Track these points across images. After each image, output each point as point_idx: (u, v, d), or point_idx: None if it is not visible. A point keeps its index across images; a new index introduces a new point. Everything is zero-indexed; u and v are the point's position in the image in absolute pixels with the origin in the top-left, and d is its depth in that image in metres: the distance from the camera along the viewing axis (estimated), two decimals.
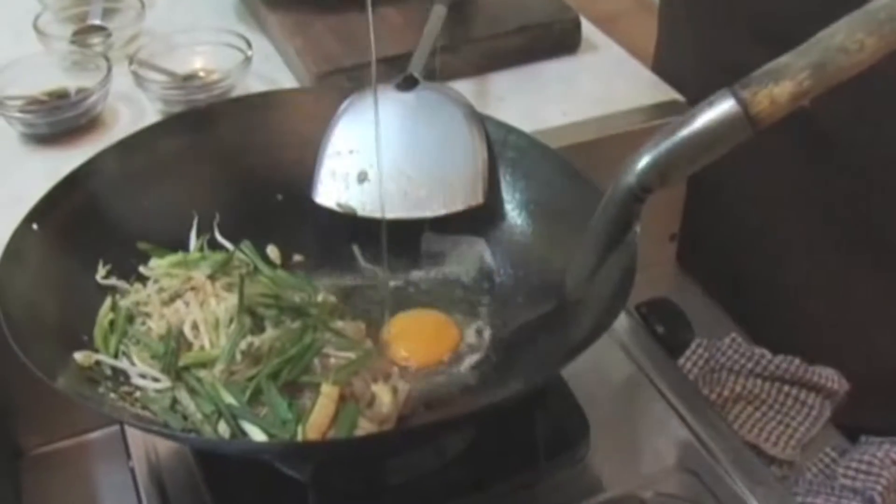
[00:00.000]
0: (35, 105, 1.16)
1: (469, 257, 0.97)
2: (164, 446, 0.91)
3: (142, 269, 0.92)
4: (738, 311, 1.23)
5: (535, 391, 0.81)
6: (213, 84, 1.19)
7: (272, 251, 0.97)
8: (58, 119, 1.14)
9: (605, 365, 0.95)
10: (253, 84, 1.24)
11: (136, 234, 0.93)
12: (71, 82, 1.19)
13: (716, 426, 0.90)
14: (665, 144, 0.72)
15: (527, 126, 1.09)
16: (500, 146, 0.98)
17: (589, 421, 0.87)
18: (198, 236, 0.96)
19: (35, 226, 0.86)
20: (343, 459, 0.82)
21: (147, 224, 0.94)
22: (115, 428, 1.00)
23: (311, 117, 1.01)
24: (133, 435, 0.93)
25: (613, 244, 0.79)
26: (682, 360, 1.08)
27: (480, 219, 0.96)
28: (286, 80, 1.26)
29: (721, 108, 0.69)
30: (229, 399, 0.80)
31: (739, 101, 0.68)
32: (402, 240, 0.96)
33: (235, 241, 0.96)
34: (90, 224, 0.91)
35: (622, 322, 1.00)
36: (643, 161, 0.73)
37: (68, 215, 0.89)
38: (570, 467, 0.85)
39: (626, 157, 1.15)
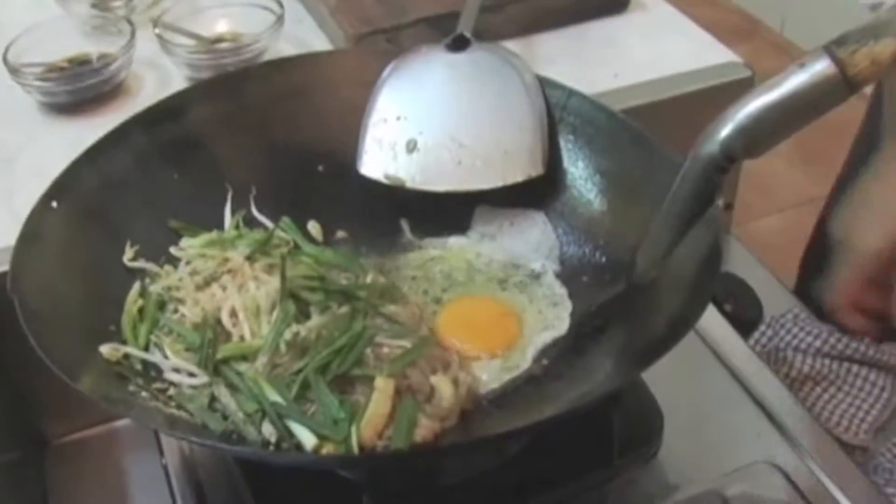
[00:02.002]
0: (55, 72, 1.12)
1: (528, 233, 0.90)
2: None
3: (173, 249, 0.86)
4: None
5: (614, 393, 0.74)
6: (243, 48, 1.13)
7: (314, 227, 0.91)
8: (79, 87, 1.10)
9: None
10: (284, 47, 1.19)
11: (166, 212, 0.87)
12: (92, 48, 1.15)
13: (797, 416, 0.83)
14: (752, 110, 0.66)
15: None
16: (561, 110, 0.91)
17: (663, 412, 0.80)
18: (233, 213, 0.90)
19: (55, 203, 0.80)
20: (404, 466, 0.75)
21: (177, 200, 0.88)
22: None
23: (354, 81, 0.94)
24: None
25: (693, 218, 0.73)
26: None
27: (540, 191, 0.90)
28: (319, 43, 1.21)
29: (815, 69, 0.64)
30: (274, 396, 0.73)
31: (836, 61, 0.64)
32: (454, 214, 0.91)
33: (273, 217, 0.90)
34: (115, 201, 0.85)
35: None
36: (728, 128, 0.68)
37: (91, 191, 0.83)
38: (644, 463, 0.78)
39: (686, 120, 1.10)
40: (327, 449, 0.70)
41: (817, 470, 0.78)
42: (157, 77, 1.16)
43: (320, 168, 0.93)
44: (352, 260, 0.87)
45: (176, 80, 1.15)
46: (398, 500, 0.74)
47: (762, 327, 1.07)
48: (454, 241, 0.92)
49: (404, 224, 0.93)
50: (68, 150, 0.86)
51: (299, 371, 0.74)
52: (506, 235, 0.91)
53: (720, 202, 0.71)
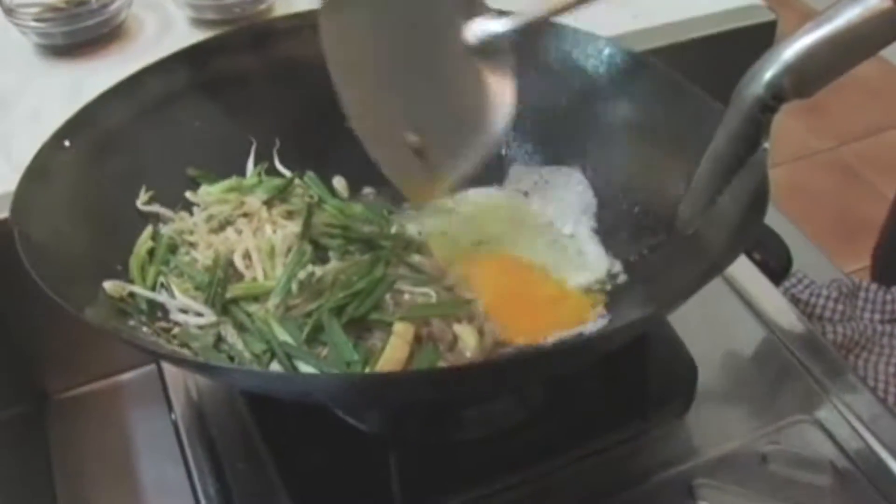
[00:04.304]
0: (52, 13, 1.06)
1: (562, 190, 0.87)
2: (208, 393, 0.81)
3: (188, 194, 0.83)
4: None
5: (653, 322, 0.71)
6: None
7: (339, 183, 0.88)
8: (77, 28, 1.05)
9: (704, 297, 0.85)
10: None
11: (185, 160, 0.84)
12: None
13: (836, 369, 0.79)
14: (800, 47, 0.62)
15: (596, 32, 1.00)
16: (596, 62, 0.86)
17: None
18: (255, 165, 0.86)
19: (67, 142, 0.76)
20: (418, 403, 0.71)
21: (198, 149, 0.84)
22: (150, 368, 0.92)
23: None
24: (173, 380, 0.83)
25: (738, 164, 0.68)
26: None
27: (577, 147, 0.86)
28: None
29: (868, 2, 0.60)
30: (284, 336, 0.70)
31: None
32: (487, 171, 0.84)
33: (298, 172, 0.86)
34: (131, 144, 0.81)
35: None
36: (774, 66, 0.64)
37: (107, 133, 0.79)
38: (676, 418, 0.75)
39: (706, 62, 1.07)
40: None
41: (859, 426, 0.75)
42: (157, 19, 1.11)
43: (348, 124, 0.89)
44: (377, 212, 0.84)
45: (177, 21, 1.10)
46: (424, 457, 0.71)
47: (793, 279, 1.05)
48: (486, 196, 0.88)
49: None
50: (67, 92, 0.83)
51: (312, 313, 0.71)
52: (540, 192, 0.87)
53: (767, 144, 0.67)
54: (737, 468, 0.72)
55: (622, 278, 0.81)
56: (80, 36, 1.05)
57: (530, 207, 0.87)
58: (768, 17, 1.13)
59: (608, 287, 0.80)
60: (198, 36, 1.06)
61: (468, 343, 0.71)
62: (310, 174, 0.86)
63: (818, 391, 0.78)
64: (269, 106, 0.88)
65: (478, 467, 0.71)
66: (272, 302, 0.72)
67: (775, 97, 0.64)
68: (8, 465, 0.78)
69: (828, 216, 2.16)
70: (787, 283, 1.03)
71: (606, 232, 0.84)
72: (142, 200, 0.80)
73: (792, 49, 0.63)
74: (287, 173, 0.86)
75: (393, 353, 0.68)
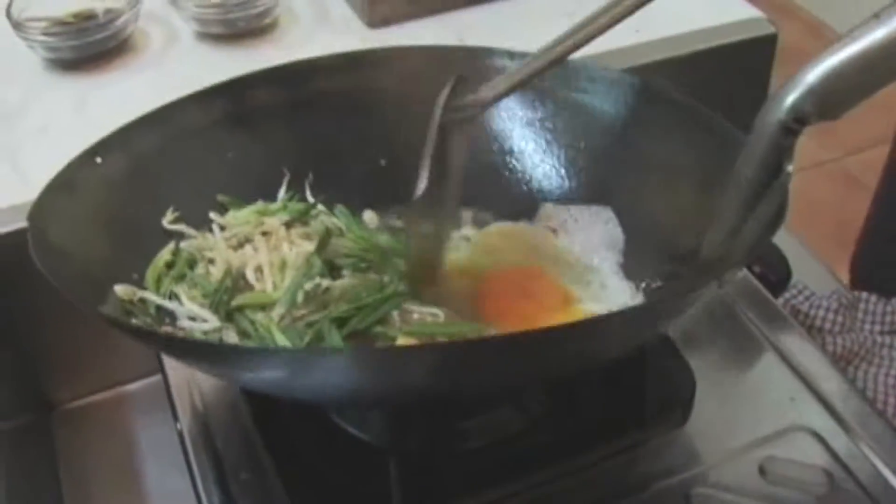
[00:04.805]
0: (59, 27, 1.08)
1: (591, 229, 0.86)
2: (213, 403, 0.82)
3: (212, 214, 0.83)
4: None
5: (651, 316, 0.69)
6: (251, 3, 1.09)
7: (369, 217, 0.88)
8: (84, 42, 1.07)
9: (703, 309, 0.86)
10: (295, 4, 1.14)
11: (215, 187, 0.85)
12: (98, 2, 1.11)
13: (832, 380, 0.80)
14: (824, 68, 0.61)
15: (598, 45, 1.00)
16: (634, 98, 0.86)
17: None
18: (287, 196, 0.87)
19: (99, 159, 0.77)
20: (416, 397, 0.69)
21: (230, 178, 0.85)
22: (155, 379, 0.92)
23: (427, 80, 0.85)
24: (178, 391, 0.83)
25: (763, 190, 0.67)
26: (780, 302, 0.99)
27: (608, 185, 0.86)
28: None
29: (893, 23, 0.59)
30: (284, 342, 0.70)
31: None
32: (517, 209, 0.88)
33: (329, 205, 0.87)
34: (163, 168, 0.82)
35: None
36: (798, 89, 0.62)
37: (140, 155, 0.80)
38: (675, 427, 0.76)
39: (708, 76, 1.08)
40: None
41: (855, 436, 0.75)
42: (163, 33, 1.13)
43: (382, 162, 0.90)
44: (401, 241, 0.84)
45: (183, 36, 1.12)
46: (425, 467, 0.71)
47: (799, 295, 1.05)
48: (511, 228, 0.89)
49: (466, 215, 0.89)
50: (74, 106, 0.84)
51: (315, 323, 0.71)
52: (568, 229, 0.87)
53: (790, 168, 0.67)
54: (734, 478, 0.73)
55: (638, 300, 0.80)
56: (87, 50, 1.06)
57: (557, 242, 0.87)
58: (769, 30, 1.13)
59: None
60: (203, 50, 1.08)
61: None
62: (340, 207, 0.86)
63: (816, 402, 0.78)
64: (304, 139, 0.88)
65: (478, 476, 0.71)
66: (277, 311, 0.73)
67: (798, 120, 0.63)
68: (15, 475, 0.79)
69: (830, 226, 2.16)
70: (786, 295, 1.04)
71: (632, 266, 0.84)
72: (168, 220, 0.81)
73: (815, 72, 0.62)
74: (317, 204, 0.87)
75: None
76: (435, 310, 0.75)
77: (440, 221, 0.81)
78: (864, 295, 1.08)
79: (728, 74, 1.12)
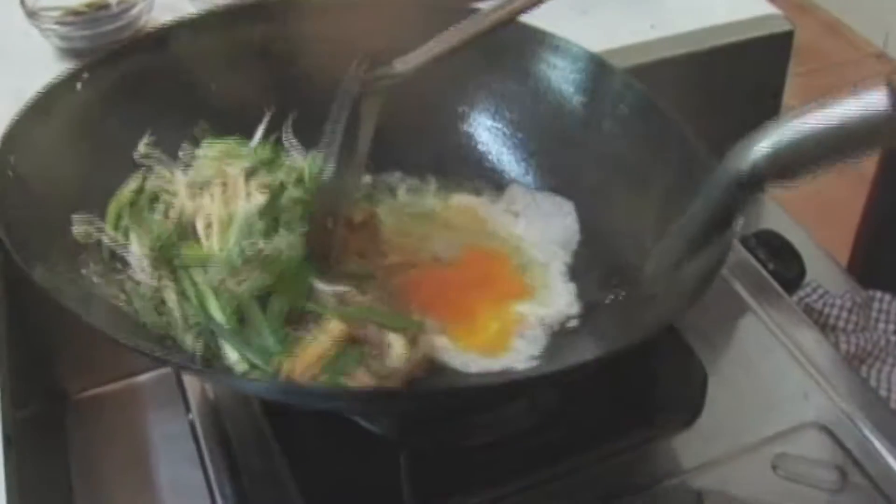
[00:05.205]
0: (73, 17, 1.07)
1: (550, 219, 0.86)
2: (225, 395, 0.82)
3: (184, 147, 0.82)
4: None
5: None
6: None
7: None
8: (98, 32, 1.05)
9: (716, 305, 0.85)
10: None
11: (196, 117, 0.83)
12: None
13: (845, 376, 0.80)
14: (790, 132, 0.60)
15: (613, 41, 1.03)
16: (617, 99, 0.85)
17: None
18: (266, 135, 0.85)
19: (79, 85, 0.77)
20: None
21: (210, 110, 0.83)
22: (167, 371, 0.93)
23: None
24: (191, 382, 0.84)
25: (709, 235, 0.66)
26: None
27: (571, 176, 0.85)
28: None
29: (869, 100, 0.57)
30: (217, 313, 0.69)
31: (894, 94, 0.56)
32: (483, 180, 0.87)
33: (307, 147, 0.85)
34: (143, 95, 0.81)
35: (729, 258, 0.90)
36: (761, 146, 0.62)
37: (120, 80, 0.80)
38: (686, 424, 0.75)
39: (723, 73, 1.07)
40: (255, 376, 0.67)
41: (868, 432, 0.75)
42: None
43: None
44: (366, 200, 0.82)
45: None
46: (434, 460, 0.71)
47: (813, 293, 1.05)
48: (476, 205, 0.88)
49: (430, 184, 0.89)
50: None
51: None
52: (530, 216, 0.86)
53: (738, 225, 0.65)
54: (747, 474, 0.72)
55: (572, 324, 0.79)
56: (100, 40, 1.05)
57: (515, 228, 0.86)
58: (785, 27, 1.13)
59: (555, 328, 0.79)
60: None
61: (396, 351, 0.70)
62: (315, 153, 0.84)
63: (828, 399, 0.78)
64: (291, 79, 0.87)
65: (487, 471, 0.72)
66: (213, 272, 0.72)
67: (754, 176, 0.62)
68: (27, 464, 0.79)
69: (844, 226, 2.15)
70: (800, 294, 1.03)
71: (578, 271, 0.83)
72: (142, 145, 0.80)
73: (782, 134, 0.61)
74: (295, 146, 0.85)
75: (314, 347, 0.68)
76: (374, 293, 0.74)
77: (344, 194, 0.79)
78: (878, 294, 1.07)
79: (744, 71, 1.11)
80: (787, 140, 0.60)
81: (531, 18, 1.01)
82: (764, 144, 0.61)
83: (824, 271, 1.11)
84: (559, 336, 0.78)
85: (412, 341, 0.71)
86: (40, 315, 0.90)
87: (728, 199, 0.64)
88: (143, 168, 0.80)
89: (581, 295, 0.81)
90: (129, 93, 0.79)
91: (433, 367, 0.73)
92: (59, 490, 0.89)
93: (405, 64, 0.75)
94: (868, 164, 2.36)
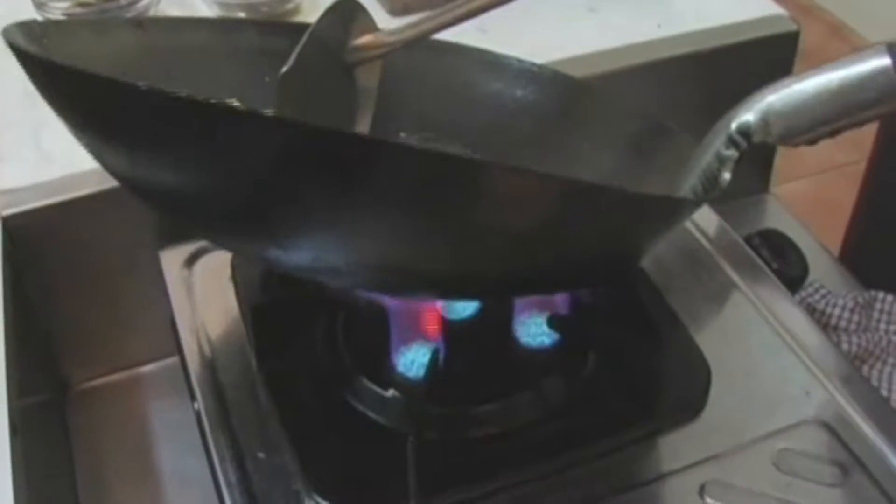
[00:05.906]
0: (81, 8, 1.08)
1: None
2: (230, 383, 0.82)
3: None
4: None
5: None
6: None
7: None
8: None
9: (720, 303, 0.86)
10: None
11: None
12: None
13: (847, 374, 0.80)
14: (785, 89, 0.61)
15: (619, 40, 1.03)
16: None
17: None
18: None
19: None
20: None
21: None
22: (170, 361, 0.93)
23: None
24: (196, 370, 0.84)
25: (697, 188, 0.66)
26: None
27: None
28: None
29: (871, 64, 0.57)
30: None
31: None
32: None
33: None
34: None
35: (733, 256, 0.91)
36: (752, 104, 0.62)
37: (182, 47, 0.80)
38: (689, 419, 0.76)
39: (729, 72, 1.08)
40: None
41: (870, 431, 0.75)
42: (186, 15, 1.12)
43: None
44: None
45: None
46: (440, 450, 0.72)
47: (815, 293, 1.05)
48: None
49: None
50: None
51: None
52: None
53: (726, 177, 0.64)
54: (748, 470, 0.73)
55: None
56: None
57: None
58: (790, 27, 1.13)
59: None
60: None
61: None
62: None
63: (831, 396, 0.78)
64: None
65: (492, 462, 0.72)
66: None
67: (742, 133, 0.62)
68: (30, 453, 0.79)
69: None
70: (803, 293, 1.03)
71: None
72: None
73: (774, 92, 0.61)
74: None
75: None
76: None
77: None
78: (881, 294, 1.07)
79: (749, 71, 1.12)
80: (782, 98, 0.61)
81: (533, 19, 1.03)
82: (757, 103, 0.62)
83: (826, 272, 1.12)
84: None
85: None
86: (42, 304, 0.91)
87: (716, 158, 0.64)
88: None
89: None
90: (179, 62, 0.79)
91: None
92: (63, 480, 0.89)
93: (395, 35, 0.74)
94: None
